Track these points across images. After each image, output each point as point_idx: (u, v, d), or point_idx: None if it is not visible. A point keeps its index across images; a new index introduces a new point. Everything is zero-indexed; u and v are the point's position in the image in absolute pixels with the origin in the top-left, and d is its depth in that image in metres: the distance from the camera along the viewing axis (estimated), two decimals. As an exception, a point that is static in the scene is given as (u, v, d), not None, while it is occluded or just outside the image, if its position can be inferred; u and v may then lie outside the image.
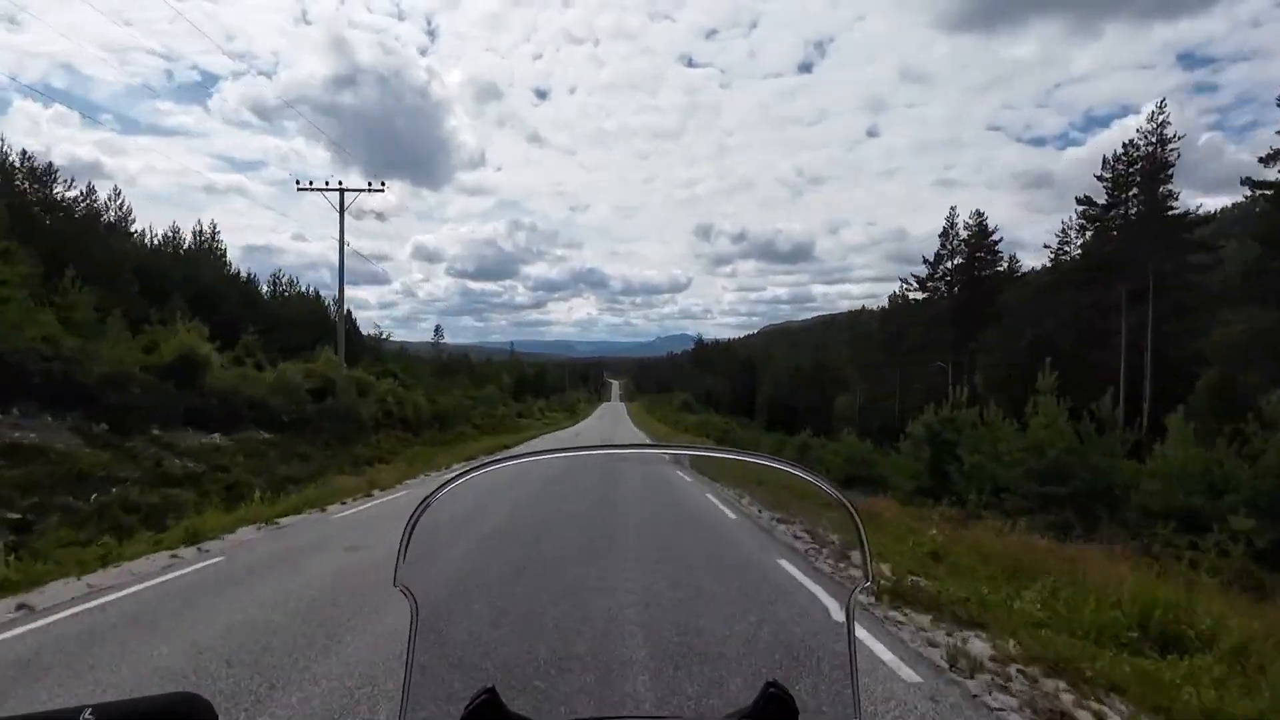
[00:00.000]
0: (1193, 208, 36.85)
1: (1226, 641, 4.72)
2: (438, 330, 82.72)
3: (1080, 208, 39.64)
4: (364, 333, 57.53)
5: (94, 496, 10.67)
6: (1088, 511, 15.12)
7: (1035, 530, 12.48)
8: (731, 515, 10.97)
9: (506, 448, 27.66)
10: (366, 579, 6.44)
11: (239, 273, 42.16)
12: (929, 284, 51.72)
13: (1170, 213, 35.25)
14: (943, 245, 50.16)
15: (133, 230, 35.20)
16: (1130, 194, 36.80)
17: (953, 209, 51.00)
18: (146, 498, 11.19)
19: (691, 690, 3.68)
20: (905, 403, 62.05)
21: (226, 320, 27.15)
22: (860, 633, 4.88)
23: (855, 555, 7.27)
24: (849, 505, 0.83)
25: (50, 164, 30.19)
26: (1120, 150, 37.25)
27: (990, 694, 3.95)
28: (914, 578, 6.68)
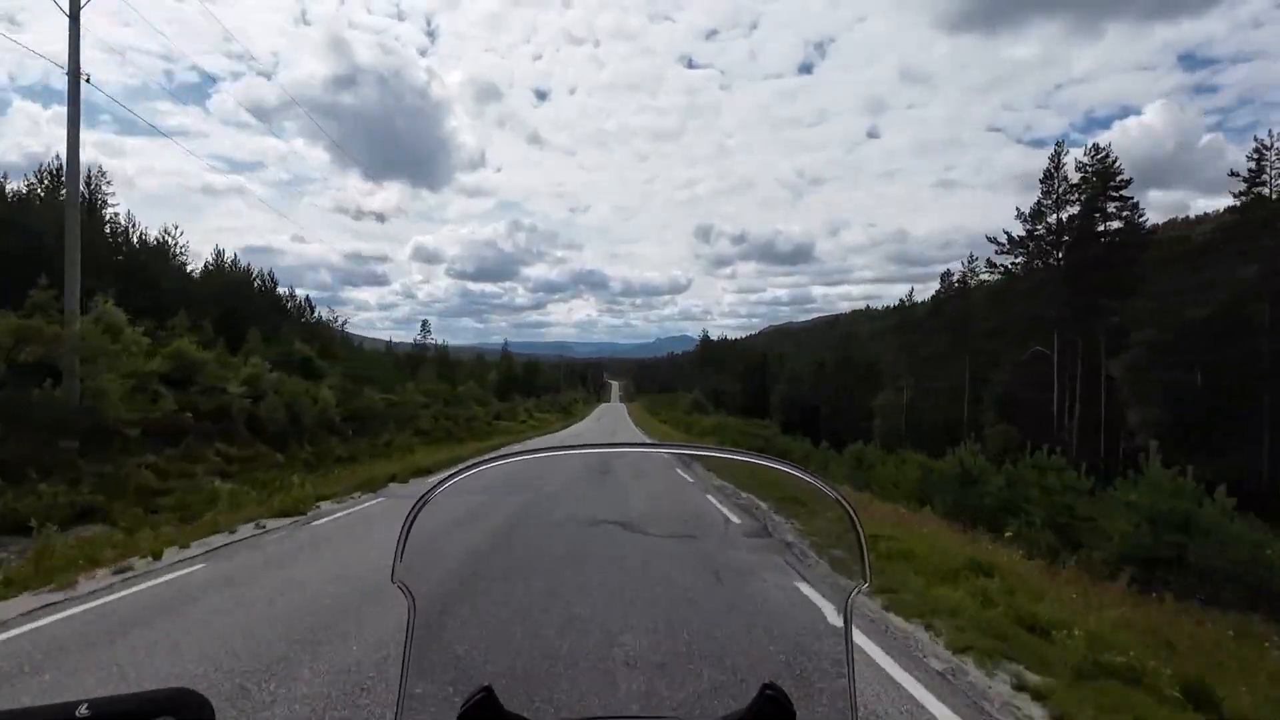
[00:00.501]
0: None
1: None
2: (424, 325, 70.50)
3: None
4: (318, 312, 46.61)
5: None
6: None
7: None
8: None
9: (428, 473, 15.70)
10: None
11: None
12: (1027, 245, 39.40)
13: None
14: (1045, 193, 37.75)
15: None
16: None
17: (1059, 143, 38.11)
18: None
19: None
20: (978, 396, 50.30)
21: None
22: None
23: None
24: (847, 505, 0.82)
25: None
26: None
27: None
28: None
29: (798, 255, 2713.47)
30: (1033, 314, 38.58)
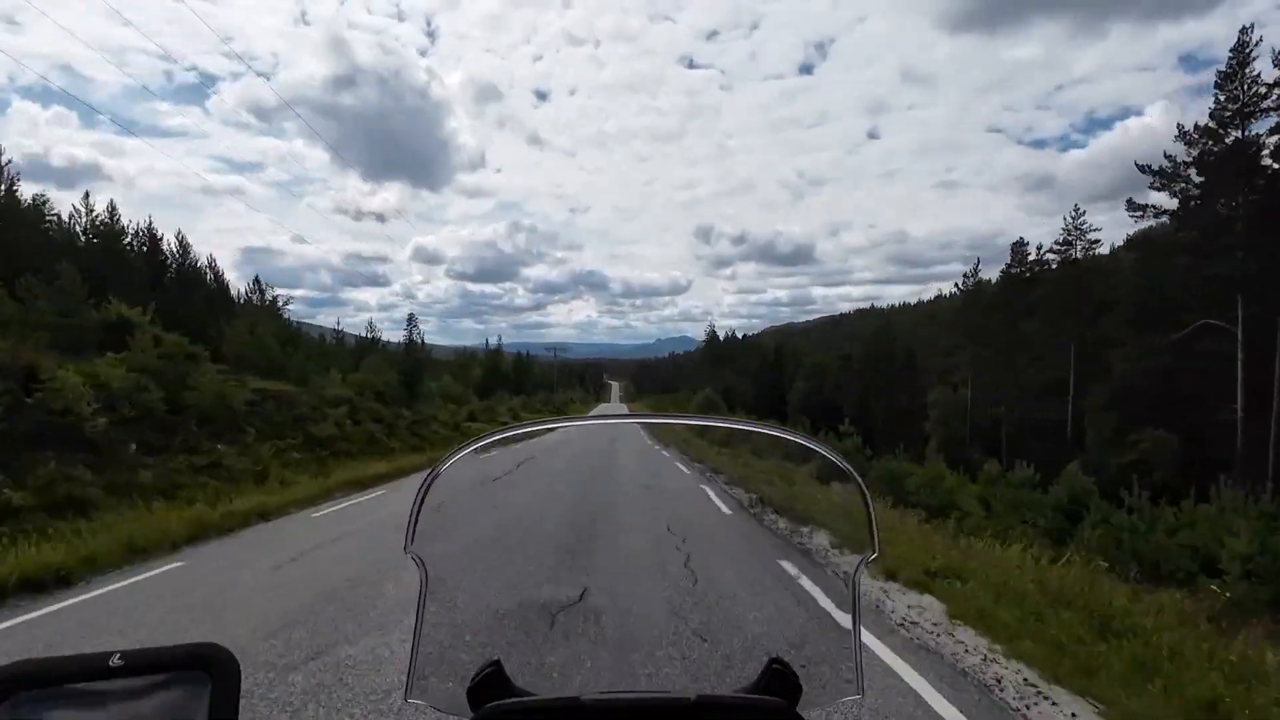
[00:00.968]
0: None
1: None
2: (410, 320, 56.40)
3: None
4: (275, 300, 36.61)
5: None
6: None
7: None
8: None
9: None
10: None
11: None
12: (1181, 182, 28.69)
13: None
14: (1228, 99, 26.80)
15: None
16: None
17: (1244, 30, 26.44)
18: None
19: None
20: (1082, 389, 39.64)
21: None
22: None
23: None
24: (856, 476, 0.84)
25: None
26: None
27: None
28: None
29: (798, 256, 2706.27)
30: (1203, 274, 27.86)
